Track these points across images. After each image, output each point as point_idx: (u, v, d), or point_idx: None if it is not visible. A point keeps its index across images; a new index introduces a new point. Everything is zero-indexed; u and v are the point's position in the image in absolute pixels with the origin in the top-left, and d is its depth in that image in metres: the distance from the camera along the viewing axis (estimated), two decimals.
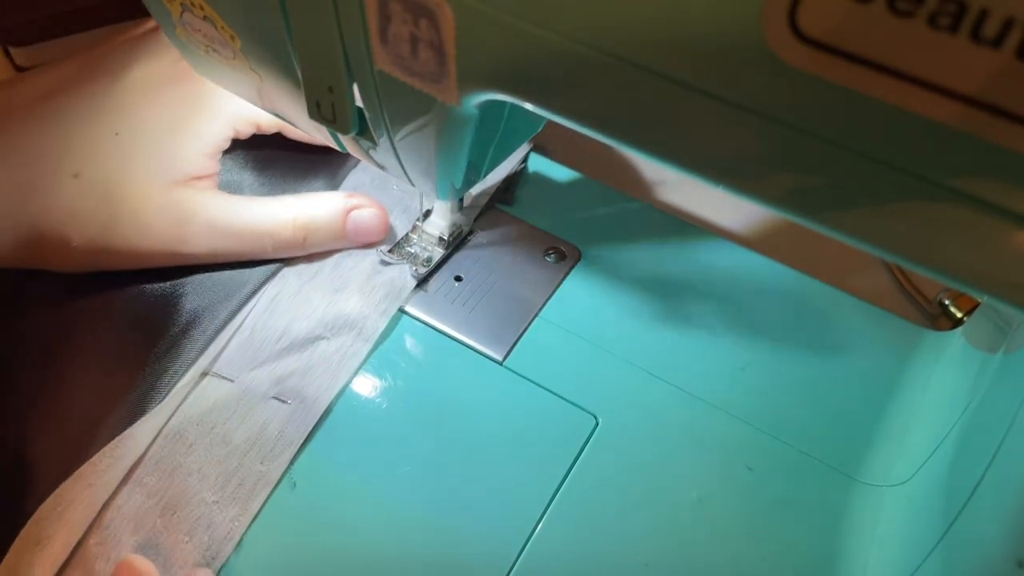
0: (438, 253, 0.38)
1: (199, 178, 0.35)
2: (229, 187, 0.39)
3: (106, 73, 0.35)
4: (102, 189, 0.33)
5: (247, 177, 0.40)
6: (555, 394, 0.35)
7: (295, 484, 0.31)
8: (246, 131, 0.37)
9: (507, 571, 0.30)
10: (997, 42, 0.13)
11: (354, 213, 0.37)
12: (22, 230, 0.33)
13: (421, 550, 0.30)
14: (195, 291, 0.35)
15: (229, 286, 0.35)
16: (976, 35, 0.14)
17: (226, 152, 0.38)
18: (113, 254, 0.34)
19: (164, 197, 0.34)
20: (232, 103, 0.36)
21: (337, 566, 0.30)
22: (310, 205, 0.36)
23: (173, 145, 0.35)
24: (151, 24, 0.38)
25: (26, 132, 0.33)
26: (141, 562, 0.28)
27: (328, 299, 0.36)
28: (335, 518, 0.31)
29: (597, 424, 0.34)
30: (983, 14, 0.13)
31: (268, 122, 0.38)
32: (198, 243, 0.34)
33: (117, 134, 0.34)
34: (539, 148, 0.45)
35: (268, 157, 0.40)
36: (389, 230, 0.38)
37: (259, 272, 0.36)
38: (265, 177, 0.40)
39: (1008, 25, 0.13)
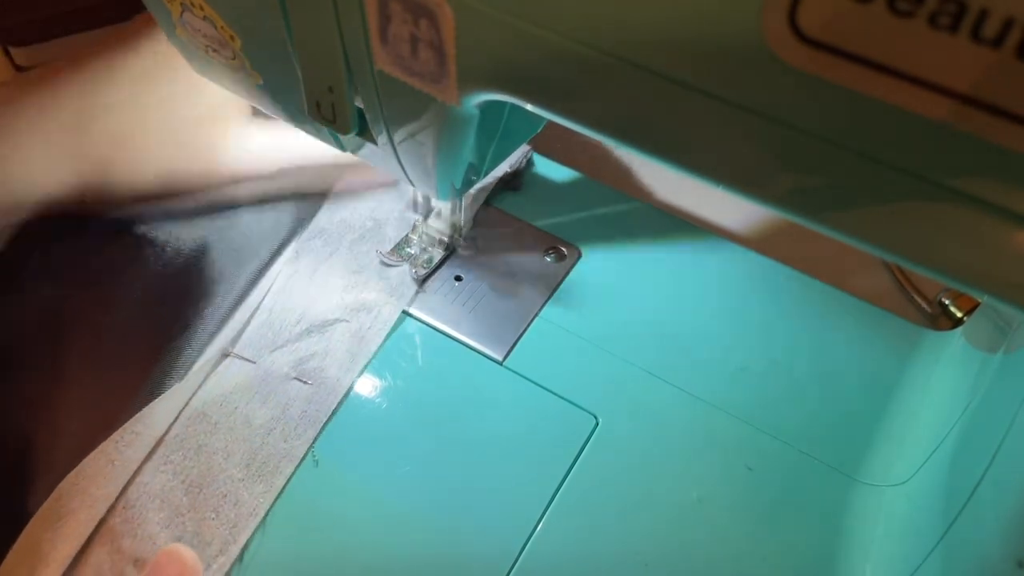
0: (438, 253, 0.38)
1: None
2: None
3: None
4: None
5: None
6: (555, 394, 0.35)
7: (317, 462, 0.32)
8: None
9: (508, 570, 0.30)
10: (997, 42, 0.13)
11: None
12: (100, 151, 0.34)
13: (422, 549, 0.30)
14: (207, 264, 0.36)
15: (240, 257, 0.36)
16: (976, 35, 0.14)
17: None
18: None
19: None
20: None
21: (337, 566, 0.30)
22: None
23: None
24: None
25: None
26: (184, 550, 0.27)
27: (345, 280, 0.37)
28: (335, 518, 0.31)
29: (597, 424, 0.34)
30: (983, 14, 0.13)
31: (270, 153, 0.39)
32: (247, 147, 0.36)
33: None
34: (539, 148, 0.45)
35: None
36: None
37: (265, 248, 0.37)
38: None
39: (1008, 25, 0.13)
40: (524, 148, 0.43)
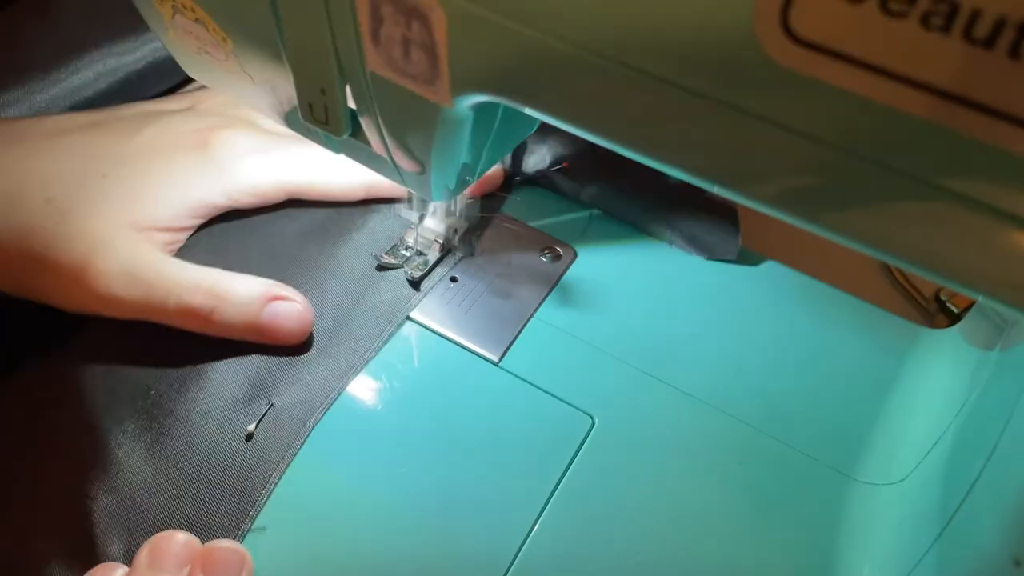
0: (433, 255, 0.38)
1: (165, 230, 0.35)
2: (210, 250, 0.37)
3: (122, 127, 0.36)
4: (66, 216, 0.33)
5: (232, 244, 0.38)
6: (551, 394, 0.34)
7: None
8: (246, 201, 0.37)
9: (504, 571, 0.30)
10: (989, 42, 0.13)
11: (274, 303, 0.33)
12: (11, 249, 0.32)
13: (418, 551, 0.30)
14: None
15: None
16: (968, 35, 0.14)
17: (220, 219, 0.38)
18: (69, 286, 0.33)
19: (112, 233, 0.33)
20: (241, 174, 0.36)
21: (333, 567, 0.30)
22: (230, 278, 0.34)
23: (155, 190, 0.34)
24: (189, 100, 0.39)
25: (24, 155, 0.34)
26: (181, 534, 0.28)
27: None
28: (330, 520, 0.30)
29: (593, 424, 0.34)
30: (975, 14, 0.13)
31: (272, 191, 0.38)
32: (110, 283, 0.32)
33: (104, 176, 0.34)
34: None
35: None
36: (308, 335, 0.34)
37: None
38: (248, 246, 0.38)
39: (1000, 25, 0.13)
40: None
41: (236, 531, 0.30)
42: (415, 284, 0.37)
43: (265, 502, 0.30)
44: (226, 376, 0.33)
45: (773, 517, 0.32)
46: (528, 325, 0.37)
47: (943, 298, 0.42)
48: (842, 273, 0.42)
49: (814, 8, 0.15)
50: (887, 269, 0.45)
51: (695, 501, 0.32)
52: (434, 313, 0.37)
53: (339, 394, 0.33)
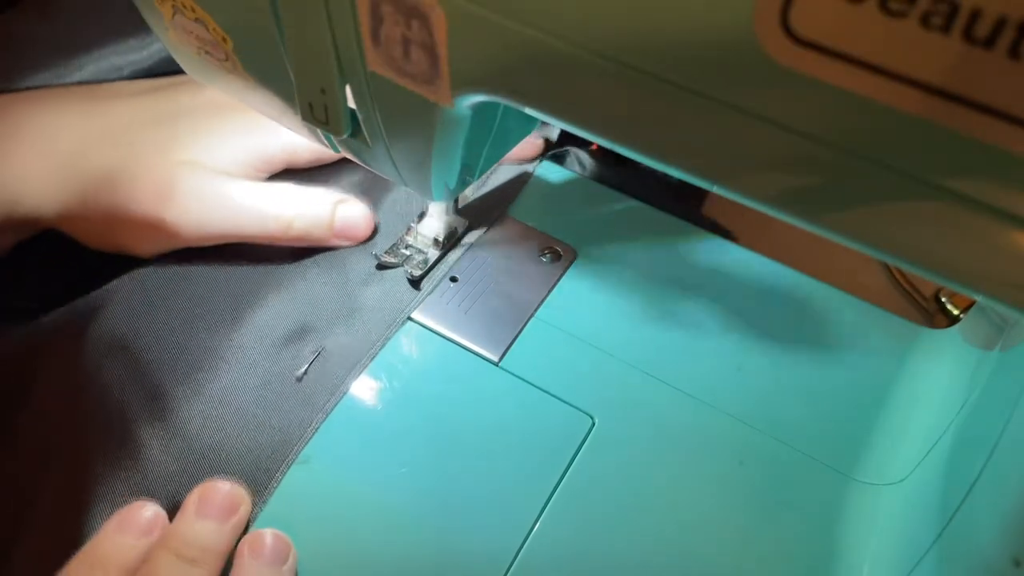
0: (433, 254, 0.38)
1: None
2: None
3: (184, 88, 0.39)
4: (141, 160, 0.35)
5: None
6: (551, 395, 0.34)
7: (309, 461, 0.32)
8: (304, 157, 0.39)
9: (505, 570, 0.30)
10: (989, 42, 0.13)
11: (342, 205, 0.37)
12: (93, 196, 0.35)
13: (418, 550, 0.30)
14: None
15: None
16: (968, 35, 0.14)
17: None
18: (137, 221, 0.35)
19: (186, 170, 0.35)
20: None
21: (333, 567, 0.30)
22: (298, 191, 0.37)
23: (218, 138, 0.37)
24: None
25: (98, 111, 0.37)
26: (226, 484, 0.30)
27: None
28: (331, 520, 0.30)
29: (593, 424, 0.34)
30: (975, 14, 0.13)
31: (311, 156, 0.39)
32: (189, 214, 0.35)
33: (172, 125, 0.37)
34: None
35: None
36: (375, 229, 0.39)
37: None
38: None
39: (1000, 25, 0.13)
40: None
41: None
42: (415, 283, 0.37)
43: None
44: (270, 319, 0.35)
45: (773, 517, 0.32)
46: (528, 325, 0.37)
47: (943, 298, 0.42)
48: (842, 273, 0.42)
49: (814, 8, 0.15)
50: (887, 269, 0.45)
51: (695, 501, 0.32)
52: (434, 313, 0.37)
53: (342, 395, 0.33)
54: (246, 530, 0.30)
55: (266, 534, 0.29)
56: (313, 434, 0.32)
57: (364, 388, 0.34)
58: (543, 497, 0.31)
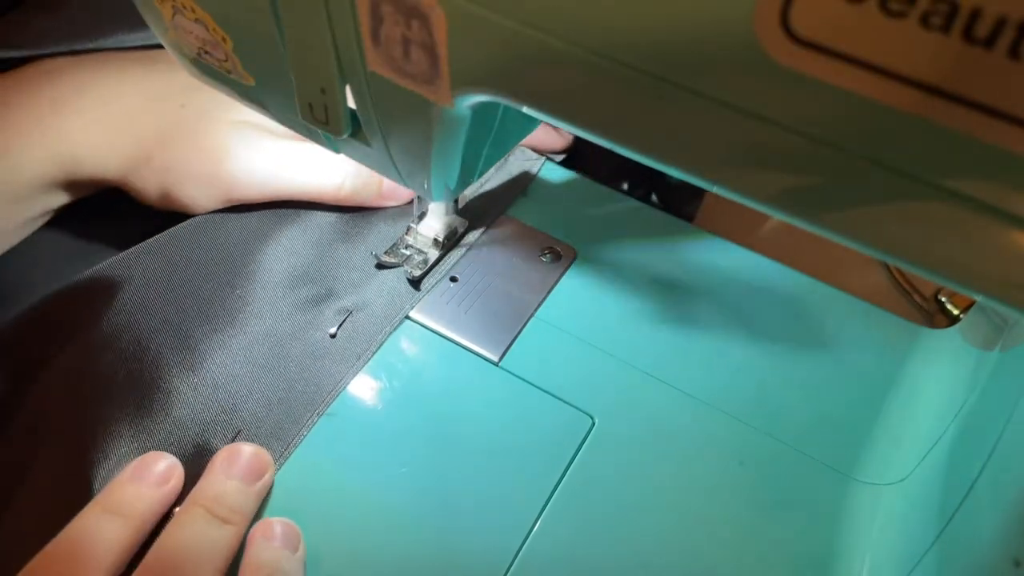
0: (433, 254, 0.38)
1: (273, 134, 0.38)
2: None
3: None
4: (202, 117, 0.37)
5: None
6: (551, 395, 0.34)
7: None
8: None
9: (504, 571, 0.30)
10: (989, 42, 0.13)
11: None
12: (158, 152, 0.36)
13: (418, 550, 0.30)
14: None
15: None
16: (968, 35, 0.14)
17: None
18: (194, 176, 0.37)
19: (243, 129, 0.37)
20: None
21: (334, 566, 0.29)
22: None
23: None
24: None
25: (155, 75, 0.38)
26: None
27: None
28: (331, 519, 0.30)
29: (593, 424, 0.34)
30: (975, 14, 0.13)
31: None
32: (249, 171, 0.37)
33: (183, 106, 0.37)
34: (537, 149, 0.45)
35: None
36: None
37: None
38: None
39: (1000, 25, 0.13)
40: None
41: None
42: (415, 283, 0.37)
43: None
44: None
45: (773, 517, 0.32)
46: (528, 325, 0.37)
47: (943, 298, 0.42)
48: (842, 273, 0.42)
49: (814, 8, 0.15)
50: (887, 269, 0.45)
51: (695, 501, 0.32)
52: (434, 313, 0.37)
53: (339, 393, 0.33)
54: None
55: (275, 522, 0.29)
56: (307, 433, 0.32)
57: (362, 388, 0.34)
58: (543, 497, 0.31)
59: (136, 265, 0.35)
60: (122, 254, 0.36)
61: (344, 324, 0.35)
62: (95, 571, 0.25)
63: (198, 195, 0.37)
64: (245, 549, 0.28)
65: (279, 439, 0.31)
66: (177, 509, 0.29)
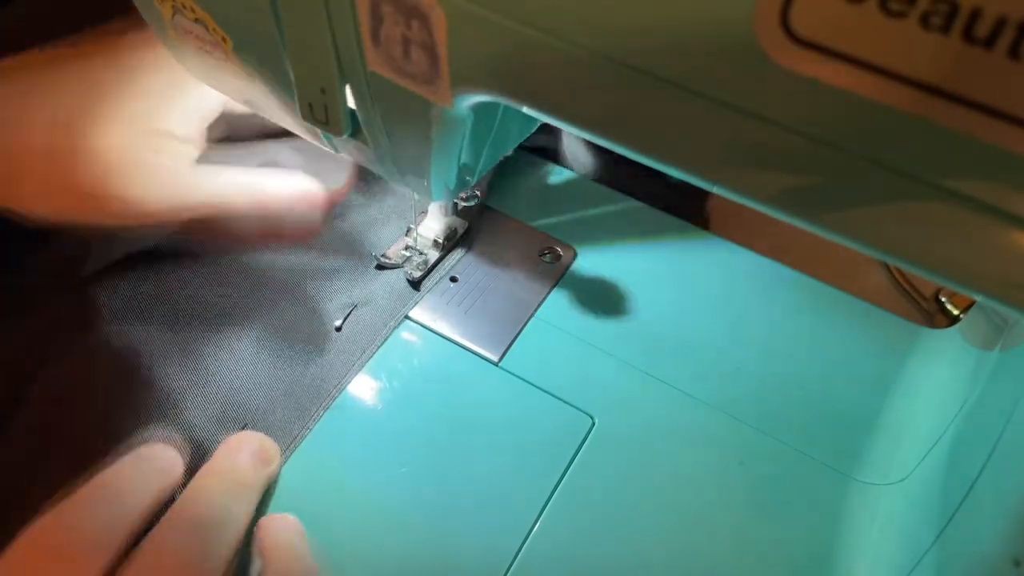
0: (433, 255, 0.38)
1: (181, 139, 0.34)
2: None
3: (110, 51, 0.34)
4: (77, 132, 0.32)
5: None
6: (551, 394, 0.34)
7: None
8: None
9: (505, 571, 0.30)
10: (989, 42, 0.13)
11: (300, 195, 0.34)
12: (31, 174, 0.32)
13: (418, 550, 0.30)
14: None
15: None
16: (968, 35, 0.14)
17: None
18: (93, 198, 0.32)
19: (131, 143, 0.32)
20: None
21: (332, 566, 0.29)
22: (264, 175, 0.34)
23: (160, 99, 0.33)
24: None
25: (22, 87, 0.33)
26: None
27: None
28: (330, 519, 0.30)
29: (593, 424, 0.34)
30: (975, 14, 0.13)
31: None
32: (140, 195, 0.32)
33: (109, 91, 0.33)
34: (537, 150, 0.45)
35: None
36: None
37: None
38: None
39: (1000, 25, 0.13)
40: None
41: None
42: (415, 284, 0.37)
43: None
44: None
45: (773, 517, 0.32)
46: (528, 325, 0.37)
47: (943, 298, 0.42)
48: (842, 273, 0.42)
49: (814, 8, 0.15)
50: (887, 269, 0.45)
51: (695, 501, 0.32)
52: (434, 313, 0.37)
53: (340, 392, 0.33)
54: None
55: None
56: (314, 427, 0.32)
57: (363, 387, 0.34)
58: (543, 497, 0.31)
59: (138, 264, 0.35)
60: (123, 255, 0.36)
61: (348, 318, 0.35)
62: (89, 555, 0.25)
63: (101, 219, 0.32)
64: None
65: (286, 432, 0.32)
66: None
